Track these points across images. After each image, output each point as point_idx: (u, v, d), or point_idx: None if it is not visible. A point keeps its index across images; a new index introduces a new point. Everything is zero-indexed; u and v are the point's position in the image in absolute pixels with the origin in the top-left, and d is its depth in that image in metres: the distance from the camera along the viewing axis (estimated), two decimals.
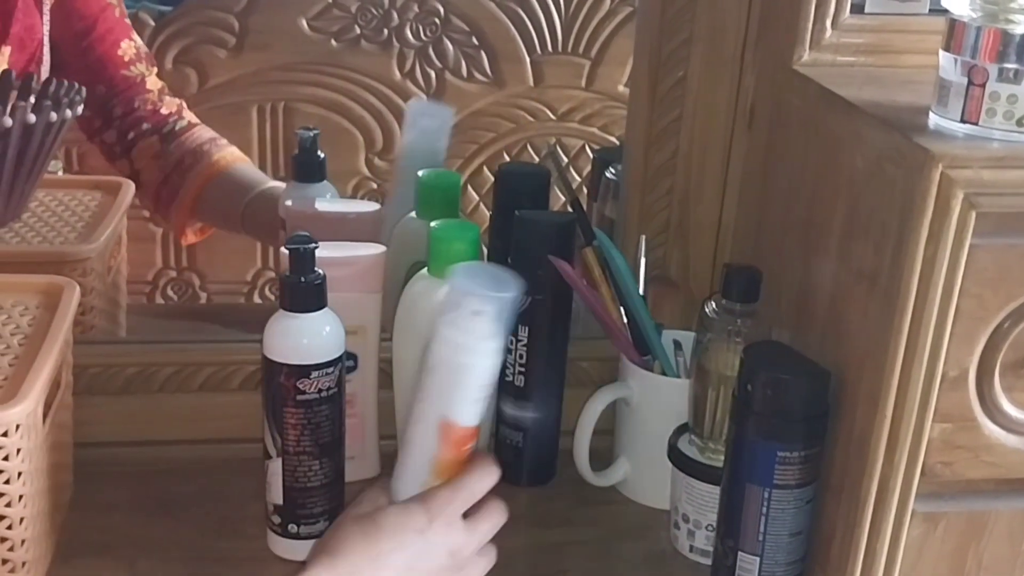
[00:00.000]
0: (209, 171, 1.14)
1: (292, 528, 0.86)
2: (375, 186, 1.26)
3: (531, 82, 1.29)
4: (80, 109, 1.00)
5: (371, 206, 1.02)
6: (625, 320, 0.92)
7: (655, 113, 0.95)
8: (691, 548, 0.90)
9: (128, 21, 1.14)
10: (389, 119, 1.28)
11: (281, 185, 1.12)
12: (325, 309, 0.83)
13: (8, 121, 0.93)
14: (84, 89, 1.01)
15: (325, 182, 1.02)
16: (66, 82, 0.99)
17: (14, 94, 0.95)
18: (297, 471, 0.84)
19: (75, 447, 0.92)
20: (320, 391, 0.83)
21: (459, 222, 0.93)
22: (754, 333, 0.86)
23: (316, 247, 0.82)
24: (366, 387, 0.94)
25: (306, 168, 1.02)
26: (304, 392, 0.82)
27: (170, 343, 0.98)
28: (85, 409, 0.93)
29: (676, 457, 0.89)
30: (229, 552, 0.88)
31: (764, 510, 0.80)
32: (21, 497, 0.76)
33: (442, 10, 1.26)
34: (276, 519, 0.87)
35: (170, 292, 1.28)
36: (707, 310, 0.87)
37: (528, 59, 1.28)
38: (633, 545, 0.92)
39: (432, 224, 0.90)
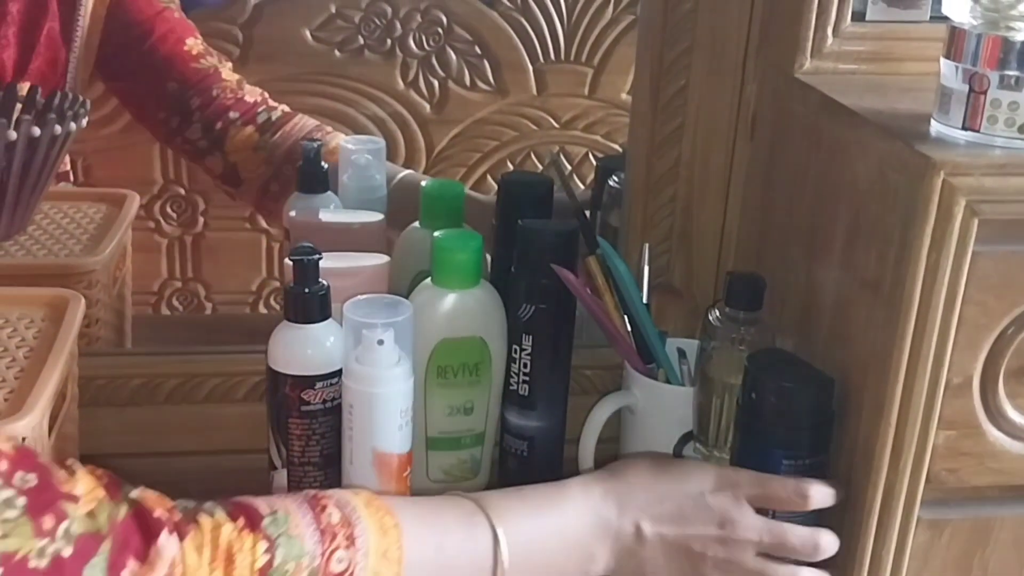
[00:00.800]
0: (328, 158, 1.09)
1: None
2: None
3: (534, 90, 1.29)
4: (84, 122, 1.00)
5: (375, 216, 1.02)
6: (629, 328, 0.92)
7: (657, 121, 0.95)
8: None
9: (190, 22, 1.13)
10: (393, 128, 1.28)
11: (415, 173, 1.13)
12: (329, 320, 0.83)
13: (13, 134, 0.93)
14: (88, 102, 1.01)
15: (329, 193, 1.02)
16: (70, 95, 1.00)
17: (19, 107, 0.95)
18: (302, 482, 0.85)
19: (81, 459, 0.92)
20: (324, 402, 0.83)
21: (463, 232, 0.93)
22: (758, 341, 0.86)
23: (320, 258, 0.82)
24: None
25: (310, 179, 1.02)
26: (308, 403, 0.83)
27: (175, 354, 0.99)
28: (91, 421, 0.94)
29: None
30: None
31: (770, 517, 0.80)
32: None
33: (445, 20, 1.26)
34: None
35: (175, 302, 1.28)
36: (711, 318, 0.87)
37: (531, 68, 1.28)
38: None
39: (436, 234, 0.90)
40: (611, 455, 0.97)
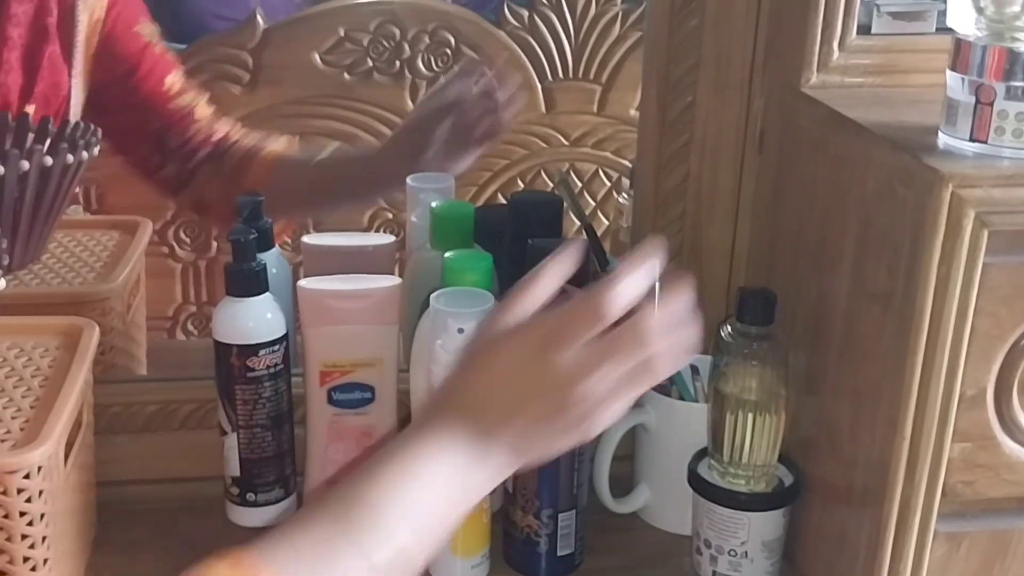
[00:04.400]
0: (266, 162, 1.15)
1: (250, 496, 0.93)
2: (390, 216, 1.26)
3: (543, 108, 1.29)
4: (96, 151, 1.01)
5: (387, 238, 1.03)
6: None
7: (665, 138, 0.96)
8: (714, 574, 0.89)
9: (170, 56, 1.14)
10: None
11: (346, 146, 1.17)
12: (267, 294, 0.90)
13: (25, 164, 0.94)
14: (100, 131, 1.02)
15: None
16: (82, 124, 1.00)
17: (31, 137, 0.96)
18: (252, 443, 0.92)
19: (98, 486, 0.93)
20: (268, 367, 0.90)
21: (473, 252, 0.93)
22: (770, 356, 0.86)
23: (255, 236, 0.89)
24: (384, 419, 0.94)
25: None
26: (253, 369, 0.89)
27: (190, 380, 0.99)
28: (107, 448, 0.94)
29: (696, 482, 0.89)
30: None
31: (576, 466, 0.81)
32: (44, 539, 0.77)
33: (453, 40, 1.27)
34: (235, 490, 0.94)
35: (191, 327, 1.28)
36: (723, 334, 0.87)
37: (539, 86, 1.28)
38: (655, 572, 0.92)
39: (447, 255, 0.91)
40: (626, 473, 0.97)
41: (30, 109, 1.01)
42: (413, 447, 0.65)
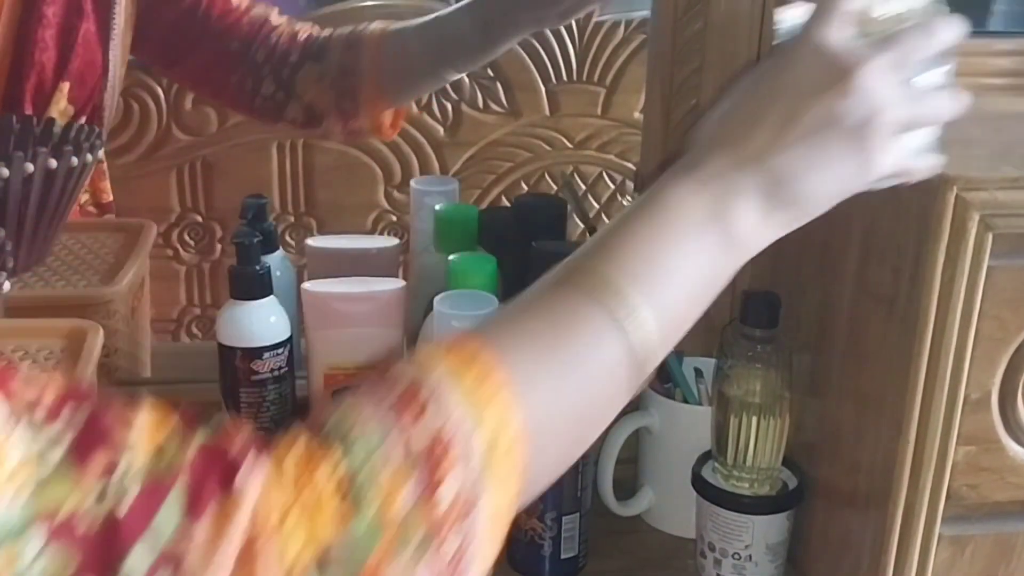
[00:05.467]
0: (373, 40, 1.10)
1: None
2: (394, 219, 1.26)
3: (547, 111, 1.29)
4: (100, 153, 1.01)
5: (391, 241, 1.03)
6: None
7: (670, 141, 0.95)
8: None
9: None
10: (407, 152, 1.29)
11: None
12: (271, 297, 0.89)
13: (30, 167, 0.94)
14: (104, 133, 1.02)
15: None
16: (86, 127, 1.00)
17: (35, 140, 0.96)
18: None
19: None
20: (272, 371, 0.90)
21: (477, 255, 0.93)
22: (774, 359, 0.86)
23: (260, 240, 0.89)
24: None
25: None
26: (257, 372, 0.90)
27: (194, 383, 0.99)
28: None
29: (700, 485, 0.89)
30: None
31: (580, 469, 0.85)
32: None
33: None
34: None
35: (195, 329, 1.29)
36: (727, 337, 0.87)
37: (544, 88, 1.28)
38: (659, 575, 0.92)
39: (451, 258, 0.91)
40: (630, 475, 0.97)
41: (64, 87, 1.00)
42: (664, 198, 0.57)
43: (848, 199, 0.80)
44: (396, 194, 1.29)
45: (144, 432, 0.47)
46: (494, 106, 1.29)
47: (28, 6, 0.97)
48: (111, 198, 1.16)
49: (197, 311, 1.28)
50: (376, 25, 1.12)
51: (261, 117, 1.13)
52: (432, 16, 1.10)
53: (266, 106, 1.12)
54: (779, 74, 0.59)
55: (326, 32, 1.12)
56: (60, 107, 0.99)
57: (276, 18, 1.12)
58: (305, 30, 1.12)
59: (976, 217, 0.69)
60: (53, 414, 0.46)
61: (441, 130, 1.28)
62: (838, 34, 0.58)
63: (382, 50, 1.10)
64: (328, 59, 1.10)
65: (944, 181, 0.69)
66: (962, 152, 0.73)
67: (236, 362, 0.89)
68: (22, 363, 0.86)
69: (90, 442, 0.45)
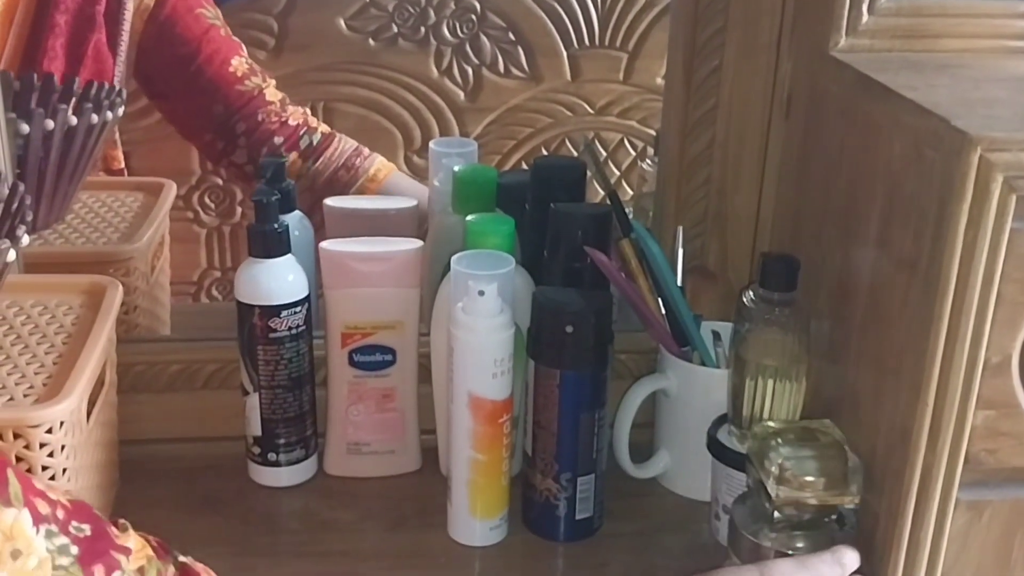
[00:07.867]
0: (369, 188, 1.14)
1: (271, 456, 0.94)
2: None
3: (568, 76, 1.29)
4: (121, 111, 1.01)
5: (410, 202, 1.03)
6: (663, 311, 0.92)
7: (691, 103, 0.95)
8: None
9: (236, 39, 1.13)
10: (427, 117, 1.29)
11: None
12: (289, 255, 0.90)
13: (50, 124, 0.95)
14: (124, 92, 1.02)
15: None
16: (107, 84, 1.01)
17: (55, 97, 0.96)
18: (273, 404, 0.92)
19: (120, 444, 0.94)
20: (290, 328, 0.90)
21: (495, 216, 0.93)
22: (793, 322, 0.85)
23: (278, 198, 0.89)
24: (406, 382, 0.95)
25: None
26: (276, 330, 0.90)
27: (214, 340, 0.99)
28: (130, 407, 0.95)
29: (716, 448, 0.89)
30: (272, 547, 0.89)
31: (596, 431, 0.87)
32: (66, 493, 0.77)
33: (478, 7, 1.27)
34: (256, 450, 0.94)
35: (215, 292, 1.29)
36: (745, 300, 0.87)
37: (565, 53, 1.28)
38: (674, 537, 0.92)
39: (469, 218, 0.91)
40: (646, 438, 0.97)
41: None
42: None
43: (869, 162, 0.79)
44: (416, 159, 1.29)
45: (132, 554, 0.62)
46: (515, 71, 1.29)
47: (40, 14, 0.98)
48: (122, 165, 1.17)
49: (217, 274, 1.28)
50: (379, 166, 1.14)
51: (231, 175, 1.16)
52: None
53: (231, 170, 1.15)
54: None
55: (318, 130, 1.14)
56: None
57: (272, 94, 1.12)
58: (297, 116, 1.13)
59: (1000, 178, 0.68)
60: (63, 528, 0.60)
61: (462, 95, 1.28)
62: None
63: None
64: (319, 168, 1.13)
65: (968, 142, 0.68)
66: (986, 113, 0.73)
67: (254, 320, 0.90)
68: (40, 317, 0.86)
69: (92, 555, 0.60)
